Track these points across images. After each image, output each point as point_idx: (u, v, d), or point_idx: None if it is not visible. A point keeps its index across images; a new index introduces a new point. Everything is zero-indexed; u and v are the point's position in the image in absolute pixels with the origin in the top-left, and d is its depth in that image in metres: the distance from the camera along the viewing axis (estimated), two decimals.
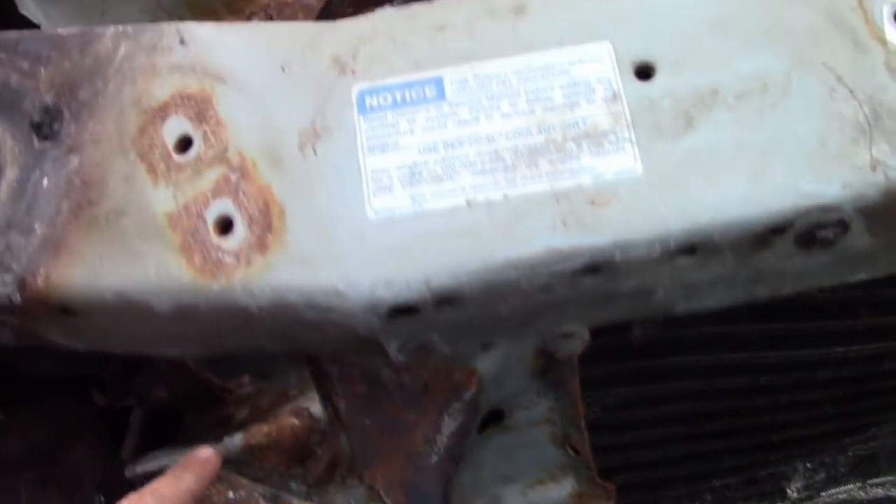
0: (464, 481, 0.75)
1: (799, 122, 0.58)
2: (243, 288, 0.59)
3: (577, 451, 0.76)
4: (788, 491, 1.10)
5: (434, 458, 0.69)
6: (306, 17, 1.25)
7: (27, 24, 0.84)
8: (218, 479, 0.69)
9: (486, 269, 0.57)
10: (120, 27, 0.68)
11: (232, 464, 0.74)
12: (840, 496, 1.12)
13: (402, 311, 0.58)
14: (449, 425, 0.69)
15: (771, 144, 0.58)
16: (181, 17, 1.23)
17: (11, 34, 0.71)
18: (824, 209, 0.57)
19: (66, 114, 0.67)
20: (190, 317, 0.60)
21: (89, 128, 0.65)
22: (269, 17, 1.25)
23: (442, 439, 0.69)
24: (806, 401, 0.94)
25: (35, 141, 0.67)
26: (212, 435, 0.78)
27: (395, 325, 0.59)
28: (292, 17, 1.24)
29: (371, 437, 0.71)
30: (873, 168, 0.57)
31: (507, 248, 0.57)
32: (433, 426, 0.69)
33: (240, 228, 0.60)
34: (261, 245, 0.59)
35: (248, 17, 1.26)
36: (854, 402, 0.97)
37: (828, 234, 0.58)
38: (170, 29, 0.67)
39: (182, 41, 0.67)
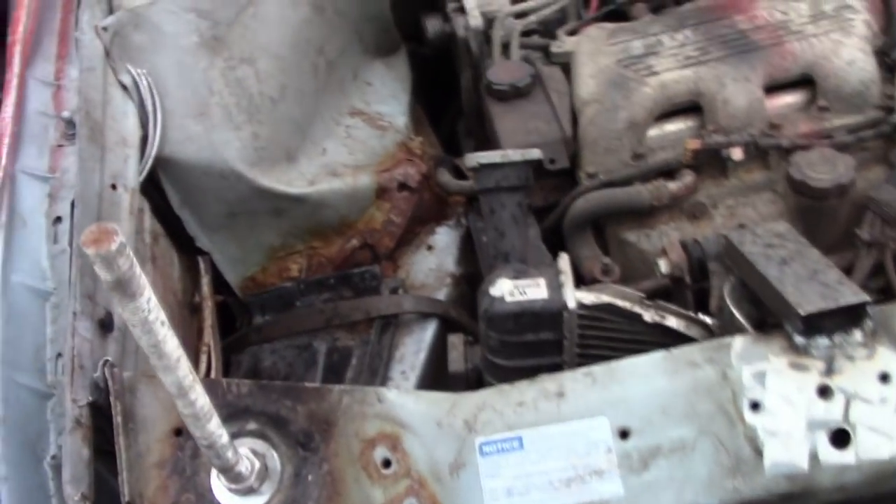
0: None
1: (700, 465, 1.19)
2: None
3: None
4: None
5: None
6: (391, 240, 1.81)
7: None
8: None
9: None
10: (341, 387, 1.26)
11: None
12: None
13: None
14: None
15: (685, 479, 1.19)
16: (304, 240, 1.79)
17: (275, 384, 1.28)
18: None
19: (317, 437, 1.25)
20: None
21: (331, 448, 1.24)
22: (364, 241, 1.81)
23: None
24: None
25: (300, 451, 1.26)
26: None
27: None
28: (380, 240, 1.81)
29: None
30: (734, 489, 1.19)
31: None
32: None
33: None
34: None
35: (349, 239, 1.82)
36: None
37: None
38: (371, 390, 1.25)
39: (379, 400, 1.25)
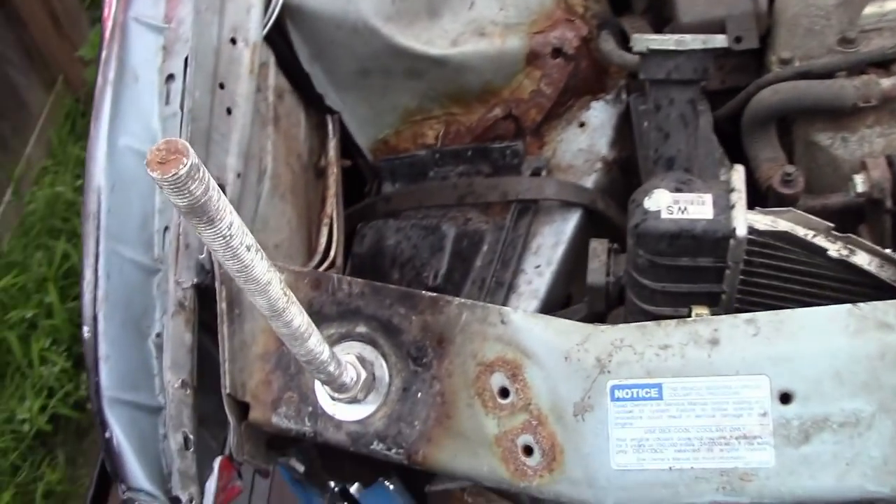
0: None
1: (874, 446, 1.00)
2: (537, 490, 1.08)
3: None
4: None
5: None
6: (539, 113, 1.60)
7: None
8: None
9: None
10: (461, 300, 1.12)
11: None
12: None
13: None
14: None
15: (853, 459, 1.00)
16: (442, 105, 1.61)
17: (389, 288, 1.15)
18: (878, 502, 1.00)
19: (430, 352, 1.13)
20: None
21: (445, 365, 1.12)
22: (509, 111, 1.61)
23: None
24: None
25: (411, 364, 1.13)
26: None
27: None
28: (527, 112, 1.60)
29: None
30: None
31: (689, 498, 1.03)
32: None
33: (536, 455, 1.08)
34: (549, 467, 1.07)
35: (492, 108, 1.62)
36: None
37: None
38: (495, 309, 1.10)
39: (503, 321, 1.10)
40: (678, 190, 1.17)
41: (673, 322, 1.06)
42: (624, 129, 1.61)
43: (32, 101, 3.70)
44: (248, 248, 0.78)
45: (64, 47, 3.78)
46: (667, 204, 1.15)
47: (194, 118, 1.23)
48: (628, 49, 1.62)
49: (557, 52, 1.60)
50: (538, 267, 1.51)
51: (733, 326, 1.04)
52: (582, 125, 1.63)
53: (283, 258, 1.45)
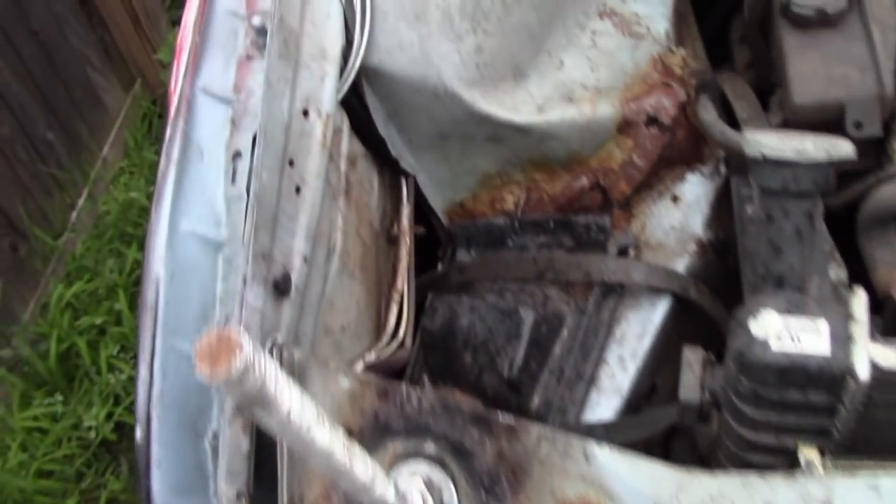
0: None
1: None
2: None
3: None
4: None
5: None
6: (629, 185, 1.48)
7: None
8: None
9: None
10: (541, 429, 1.01)
11: None
12: None
13: None
14: None
15: None
16: (524, 170, 1.50)
17: (462, 407, 1.05)
18: None
19: (505, 483, 1.03)
20: None
21: (521, 499, 1.02)
22: (596, 181, 1.49)
23: None
24: None
25: (483, 494, 1.04)
26: None
27: None
28: (615, 183, 1.48)
29: None
30: None
31: None
32: None
33: None
34: None
35: (578, 177, 1.51)
36: None
37: None
38: (578, 444, 1.00)
39: (586, 457, 0.99)
40: (790, 311, 1.04)
41: (780, 477, 0.94)
42: (721, 208, 1.48)
43: (111, 103, 3.69)
44: (310, 429, 0.69)
45: (143, 49, 3.75)
46: (776, 331, 1.03)
47: (260, 202, 1.15)
48: (730, 116, 1.49)
49: (652, 121, 1.48)
50: (621, 358, 1.39)
51: (851, 489, 0.92)
52: (675, 199, 1.50)
53: (350, 339, 1.36)
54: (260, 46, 1.24)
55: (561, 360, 1.39)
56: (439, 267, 1.64)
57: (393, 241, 1.52)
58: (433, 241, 1.66)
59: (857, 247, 1.30)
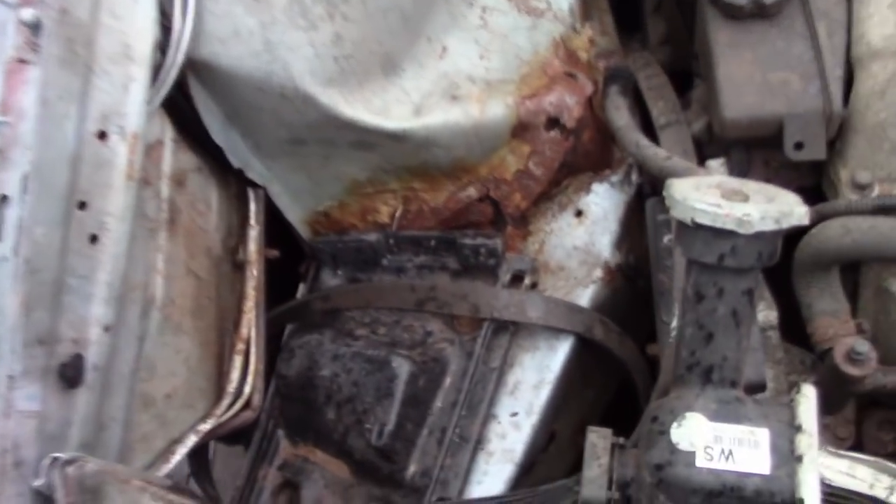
0: None
1: None
2: None
3: None
4: None
5: None
6: (525, 199, 1.24)
7: None
8: None
9: None
10: None
11: None
12: None
13: None
14: None
15: None
16: (401, 178, 1.23)
17: None
18: None
19: None
20: None
21: None
22: (486, 190, 1.24)
23: None
24: None
25: None
26: None
27: None
28: (509, 196, 1.24)
29: None
30: None
31: None
32: None
33: None
34: None
35: (465, 187, 1.25)
36: None
37: None
38: None
39: None
40: (720, 417, 0.82)
41: None
42: (632, 225, 1.25)
43: None
44: None
45: None
46: (704, 442, 0.81)
47: (33, 270, 0.86)
48: (643, 111, 1.26)
49: (553, 122, 1.22)
50: (515, 415, 1.17)
51: None
52: (579, 214, 1.26)
53: (178, 408, 1.10)
54: (35, 46, 0.92)
55: (442, 418, 1.16)
56: (301, 289, 1.37)
57: (239, 266, 1.24)
58: (295, 256, 1.38)
59: (790, 289, 1.09)
